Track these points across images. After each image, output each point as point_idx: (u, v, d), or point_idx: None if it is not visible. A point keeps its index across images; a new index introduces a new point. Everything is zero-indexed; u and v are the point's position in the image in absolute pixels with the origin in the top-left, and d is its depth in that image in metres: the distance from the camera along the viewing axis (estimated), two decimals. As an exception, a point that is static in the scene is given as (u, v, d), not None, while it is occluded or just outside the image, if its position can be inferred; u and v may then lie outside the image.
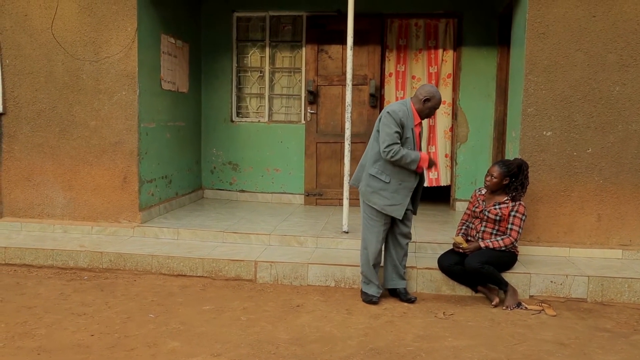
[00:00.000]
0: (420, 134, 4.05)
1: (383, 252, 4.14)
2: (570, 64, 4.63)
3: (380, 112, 6.60)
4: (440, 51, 6.59)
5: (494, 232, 4.19)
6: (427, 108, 3.93)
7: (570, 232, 4.74)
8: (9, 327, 3.44)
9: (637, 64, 4.58)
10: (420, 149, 3.99)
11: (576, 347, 3.33)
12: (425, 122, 6.64)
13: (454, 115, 6.54)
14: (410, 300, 4.05)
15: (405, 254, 4.14)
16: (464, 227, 4.40)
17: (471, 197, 4.43)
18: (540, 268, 4.34)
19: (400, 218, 3.93)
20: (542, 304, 4.04)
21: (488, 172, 4.24)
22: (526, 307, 3.97)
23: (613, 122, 4.64)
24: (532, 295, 4.20)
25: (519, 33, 4.93)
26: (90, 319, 3.61)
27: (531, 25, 4.64)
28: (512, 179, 4.20)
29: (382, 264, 4.12)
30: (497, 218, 4.15)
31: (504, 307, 3.96)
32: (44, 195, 5.38)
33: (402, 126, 3.85)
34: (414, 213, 4.11)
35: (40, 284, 4.31)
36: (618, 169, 4.67)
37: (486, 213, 4.20)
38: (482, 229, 4.23)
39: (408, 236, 4.11)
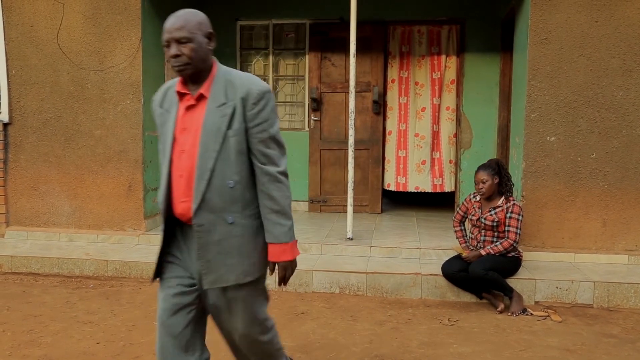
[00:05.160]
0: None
1: None
2: (573, 69, 4.64)
3: (383, 118, 6.67)
4: (443, 57, 6.61)
5: (494, 239, 4.18)
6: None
7: (575, 237, 4.73)
8: (15, 336, 3.46)
9: (640, 68, 4.59)
10: (171, 146, 2.09)
11: (582, 354, 3.32)
12: (428, 127, 6.66)
13: (458, 121, 6.54)
14: None
15: None
16: (461, 228, 4.40)
17: (465, 200, 4.39)
18: (545, 274, 4.32)
19: (151, 280, 2.38)
20: (548, 310, 4.03)
21: (476, 180, 4.16)
22: (531, 313, 3.95)
23: (617, 127, 4.63)
24: (537, 301, 4.18)
25: (521, 39, 4.94)
26: (95, 327, 3.62)
27: (533, 31, 4.64)
28: (499, 176, 4.17)
29: None
30: (494, 224, 4.13)
31: (509, 313, 3.95)
32: (49, 204, 5.41)
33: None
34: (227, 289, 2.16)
35: (46, 293, 4.33)
36: (623, 173, 4.66)
37: (483, 220, 4.18)
38: (482, 238, 4.21)
39: (240, 344, 2.30)
